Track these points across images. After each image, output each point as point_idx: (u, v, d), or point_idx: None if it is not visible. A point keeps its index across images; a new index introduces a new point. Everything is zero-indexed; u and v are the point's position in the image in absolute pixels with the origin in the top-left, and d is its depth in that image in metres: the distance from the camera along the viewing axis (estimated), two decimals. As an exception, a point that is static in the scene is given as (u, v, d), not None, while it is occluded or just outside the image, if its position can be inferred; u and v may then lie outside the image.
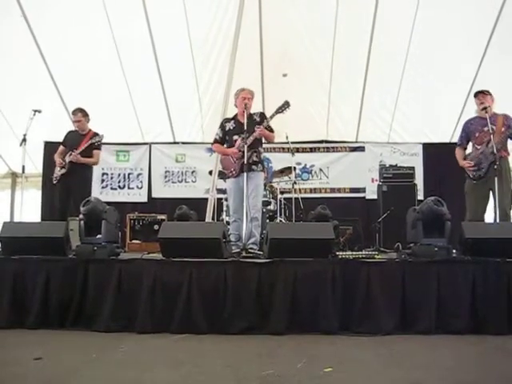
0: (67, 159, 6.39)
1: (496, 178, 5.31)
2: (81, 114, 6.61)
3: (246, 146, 5.33)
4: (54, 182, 6.56)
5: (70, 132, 6.82)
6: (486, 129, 5.64)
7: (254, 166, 5.58)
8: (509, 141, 5.75)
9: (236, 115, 5.78)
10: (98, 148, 6.58)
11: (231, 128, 5.72)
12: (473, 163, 5.69)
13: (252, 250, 5.08)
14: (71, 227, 5.16)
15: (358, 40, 8.28)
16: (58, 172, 6.49)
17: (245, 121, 5.43)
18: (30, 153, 7.68)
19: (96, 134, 6.59)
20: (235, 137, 5.62)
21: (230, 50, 7.71)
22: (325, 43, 8.34)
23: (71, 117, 6.74)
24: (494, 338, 3.64)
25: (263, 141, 5.79)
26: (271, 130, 5.70)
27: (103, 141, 6.60)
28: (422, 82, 8.49)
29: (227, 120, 5.86)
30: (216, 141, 5.84)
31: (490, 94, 5.76)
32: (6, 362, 2.99)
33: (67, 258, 4.24)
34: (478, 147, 5.75)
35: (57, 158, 6.59)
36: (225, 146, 5.80)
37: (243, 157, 5.37)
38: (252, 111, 5.76)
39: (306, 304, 3.86)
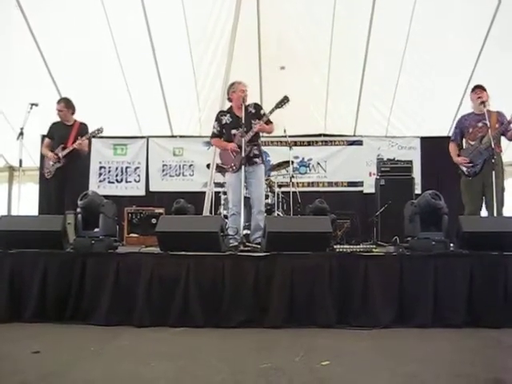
0: (60, 153, 6.27)
1: (493, 172, 5.32)
2: (64, 104, 6.50)
3: (244, 141, 5.35)
4: (48, 177, 6.42)
5: (54, 124, 6.67)
6: (479, 124, 5.68)
7: (255, 159, 5.61)
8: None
9: (231, 108, 5.77)
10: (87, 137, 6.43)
11: (228, 122, 5.72)
12: (468, 160, 5.70)
13: (255, 245, 5.09)
14: (68, 221, 5.13)
15: (356, 33, 8.27)
16: (50, 166, 6.35)
17: (242, 114, 5.44)
18: (27, 146, 7.64)
19: (83, 124, 6.51)
20: (233, 131, 5.63)
21: (227, 43, 7.70)
22: (323, 36, 8.34)
23: (56, 107, 6.54)
24: (490, 331, 3.65)
25: (261, 133, 5.80)
26: (270, 122, 5.71)
27: (102, 134, 6.54)
28: (420, 75, 8.49)
29: (222, 113, 5.84)
30: (214, 135, 5.84)
31: (486, 90, 5.76)
32: (3, 356, 2.99)
33: (65, 251, 4.24)
34: (472, 143, 5.76)
35: (46, 151, 6.46)
36: (222, 139, 5.80)
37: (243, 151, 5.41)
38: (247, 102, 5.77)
39: (304, 297, 3.86)
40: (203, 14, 8.13)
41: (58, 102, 6.58)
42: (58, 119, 6.59)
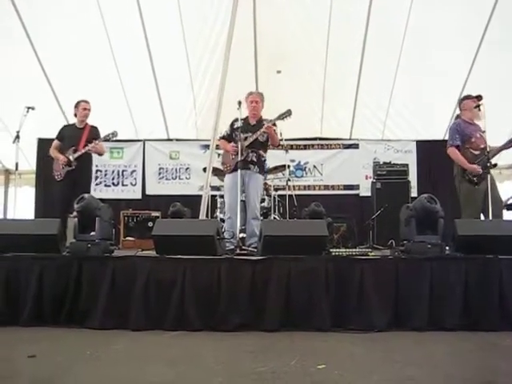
0: (71, 156, 6.23)
1: (489, 179, 5.37)
2: (90, 104, 6.54)
3: (240, 143, 5.39)
4: (59, 179, 6.33)
5: (66, 126, 6.70)
6: (478, 135, 5.71)
7: (250, 165, 5.62)
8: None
9: (247, 117, 5.86)
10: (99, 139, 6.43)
11: (239, 126, 5.76)
12: (480, 170, 5.55)
13: (251, 249, 5.09)
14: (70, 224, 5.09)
15: (352, 37, 8.29)
16: (61, 169, 6.27)
17: (252, 123, 5.55)
18: (23, 150, 7.64)
19: (94, 127, 6.51)
20: (241, 135, 5.67)
21: (223, 47, 7.70)
22: (319, 40, 8.35)
23: (81, 105, 6.49)
24: (486, 334, 3.66)
25: (268, 143, 5.84)
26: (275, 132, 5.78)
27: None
28: (416, 79, 8.50)
29: (237, 120, 5.89)
30: (223, 137, 5.99)
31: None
32: (-1, 360, 2.99)
33: (61, 255, 4.23)
34: (476, 152, 5.67)
35: (56, 153, 6.38)
36: (232, 143, 5.85)
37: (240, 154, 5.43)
38: (264, 116, 5.89)
39: (300, 301, 3.86)
40: (200, 18, 8.13)
41: (86, 101, 6.55)
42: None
